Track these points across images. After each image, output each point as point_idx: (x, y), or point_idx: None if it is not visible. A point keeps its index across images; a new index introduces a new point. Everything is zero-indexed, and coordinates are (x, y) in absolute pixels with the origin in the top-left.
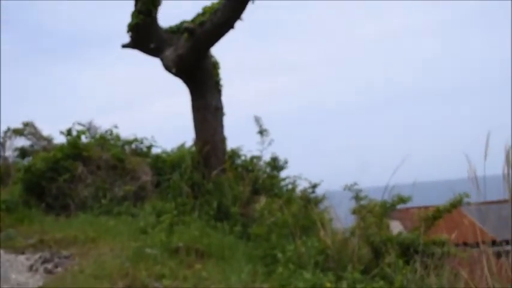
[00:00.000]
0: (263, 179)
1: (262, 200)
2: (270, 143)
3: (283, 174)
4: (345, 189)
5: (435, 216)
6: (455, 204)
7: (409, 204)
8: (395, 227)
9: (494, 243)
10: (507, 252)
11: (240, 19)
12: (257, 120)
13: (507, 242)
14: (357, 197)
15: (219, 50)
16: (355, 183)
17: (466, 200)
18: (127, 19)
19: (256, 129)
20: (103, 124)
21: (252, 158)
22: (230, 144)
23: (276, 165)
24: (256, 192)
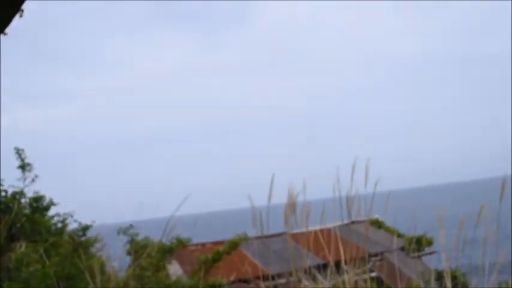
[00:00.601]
0: (22, 222)
1: (21, 247)
2: (33, 180)
3: (51, 211)
4: (118, 232)
5: (215, 258)
6: (235, 246)
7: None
8: (175, 269)
9: (273, 277)
10: (285, 284)
11: (4, 34)
12: (18, 152)
13: (281, 276)
14: (133, 241)
15: None
16: (131, 226)
17: (245, 236)
18: None
19: (17, 163)
20: None
21: (15, 193)
22: None
23: (39, 206)
24: (13, 238)
